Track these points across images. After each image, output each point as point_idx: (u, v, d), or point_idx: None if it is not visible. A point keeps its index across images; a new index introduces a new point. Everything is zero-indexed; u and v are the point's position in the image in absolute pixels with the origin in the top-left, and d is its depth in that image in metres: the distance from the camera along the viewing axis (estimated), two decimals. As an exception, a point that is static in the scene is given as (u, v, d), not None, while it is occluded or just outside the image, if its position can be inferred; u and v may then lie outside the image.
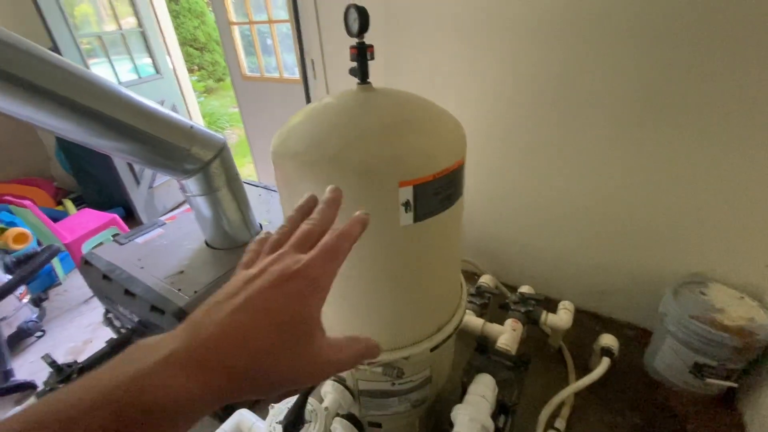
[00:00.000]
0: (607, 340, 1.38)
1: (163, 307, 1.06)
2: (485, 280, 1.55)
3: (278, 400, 0.90)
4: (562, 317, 1.37)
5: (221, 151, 1.18)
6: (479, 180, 1.66)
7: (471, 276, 1.93)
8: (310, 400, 0.86)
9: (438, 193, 0.71)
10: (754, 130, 1.14)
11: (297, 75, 2.06)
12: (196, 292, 1.11)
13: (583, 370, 1.40)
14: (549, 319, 1.37)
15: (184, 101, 2.93)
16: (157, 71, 2.67)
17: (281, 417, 0.84)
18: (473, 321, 1.31)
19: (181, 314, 1.04)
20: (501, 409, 1.01)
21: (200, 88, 6.35)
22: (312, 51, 1.82)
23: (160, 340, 0.25)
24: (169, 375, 0.23)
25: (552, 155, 1.47)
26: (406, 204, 0.69)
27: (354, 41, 0.74)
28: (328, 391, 0.97)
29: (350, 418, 1.06)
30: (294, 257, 0.31)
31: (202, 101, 5.79)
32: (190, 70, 6.41)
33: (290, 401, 0.87)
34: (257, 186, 1.74)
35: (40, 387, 1.18)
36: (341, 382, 0.98)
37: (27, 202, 1.87)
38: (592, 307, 1.68)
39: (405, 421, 1.11)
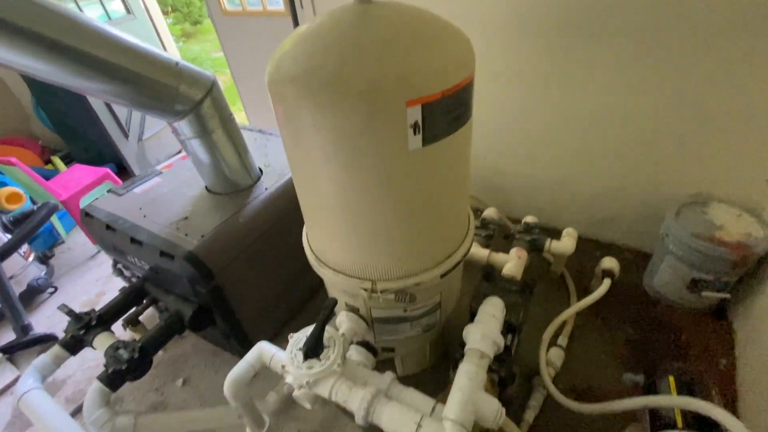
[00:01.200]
0: (608, 262, 1.42)
1: (172, 252, 1.06)
2: (489, 213, 1.56)
3: (297, 329, 0.94)
4: (565, 243, 1.40)
5: (211, 90, 1.12)
6: (482, 111, 1.60)
7: (474, 211, 1.94)
8: (328, 328, 0.89)
9: (448, 112, 0.68)
10: (752, 47, 1.08)
11: (281, 6, 1.91)
12: (203, 236, 1.10)
13: (585, 293, 1.45)
14: (553, 245, 1.39)
15: (162, 45, 2.74)
16: (129, 11, 2.47)
17: (301, 344, 0.87)
18: (479, 252, 1.34)
19: (192, 258, 1.05)
20: (508, 329, 1.06)
21: (177, 32, 5.94)
22: (296, -24, 1.66)
23: None
24: None
25: (553, 84, 1.42)
26: (415, 126, 0.66)
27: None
28: (343, 320, 1.01)
29: (365, 344, 1.11)
30: None
31: (182, 46, 5.43)
32: (164, 13, 5.93)
33: (308, 330, 0.91)
34: (251, 130, 1.68)
35: (61, 336, 1.22)
36: (355, 311, 1.02)
37: (13, 159, 1.81)
38: (594, 235, 1.71)
39: (416, 345, 1.17)
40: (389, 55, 0.62)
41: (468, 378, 0.80)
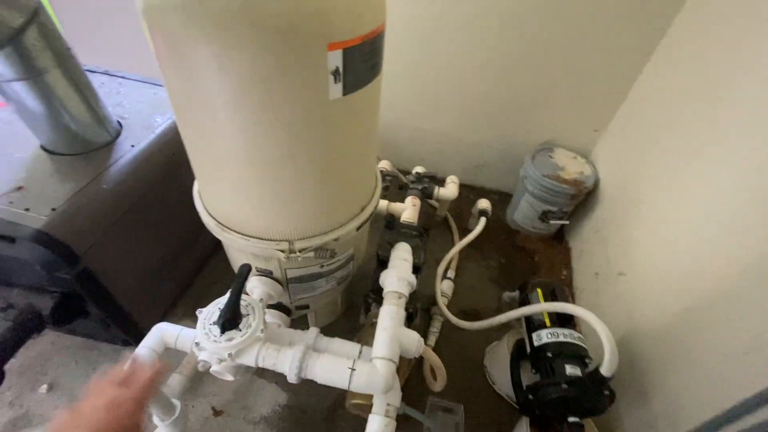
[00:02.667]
0: (483, 203, 1.64)
1: (11, 232, 0.81)
2: (384, 165, 1.61)
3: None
4: (450, 189, 1.56)
5: (36, 14, 0.83)
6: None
7: (364, 164, 1.98)
8: (243, 295, 0.84)
9: (366, 60, 0.66)
10: (587, 17, 1.32)
11: None
12: (54, 209, 0.87)
13: (464, 231, 1.67)
14: (440, 192, 1.54)
15: None
16: None
17: (215, 318, 0.80)
18: (379, 203, 1.39)
19: (44, 238, 0.82)
20: (413, 269, 1.16)
21: None
22: None
23: None
24: None
25: (437, 41, 1.49)
26: (336, 72, 0.62)
27: None
28: (256, 285, 0.96)
29: (278, 306, 1.08)
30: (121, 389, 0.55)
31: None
32: None
33: (219, 302, 0.84)
34: (95, 71, 1.33)
35: None
36: (267, 274, 0.97)
37: None
38: (469, 180, 1.94)
39: (329, 299, 1.19)
40: (307, -10, 0.56)
41: (390, 318, 0.87)
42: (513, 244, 1.73)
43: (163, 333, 0.87)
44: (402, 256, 1.01)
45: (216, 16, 0.53)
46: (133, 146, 1.07)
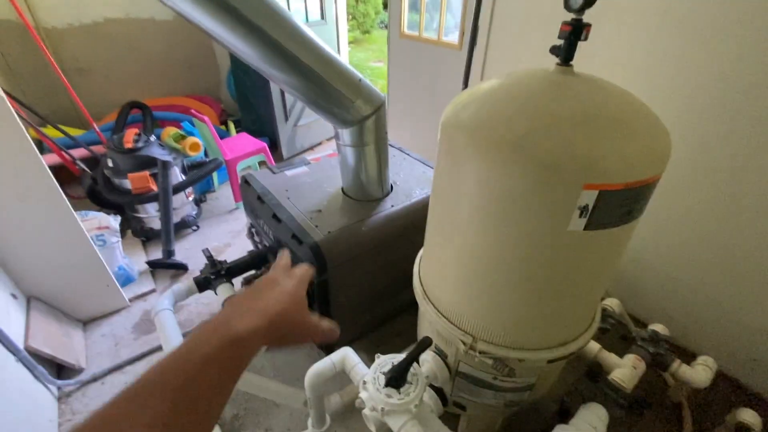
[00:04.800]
0: (748, 416, 1.15)
1: (302, 237, 1.18)
2: (611, 304, 1.39)
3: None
4: (699, 373, 1.18)
5: (379, 109, 1.22)
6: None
7: (587, 292, 1.75)
8: (414, 363, 0.90)
9: (623, 204, 0.63)
10: None
11: (455, 39, 2.00)
12: (330, 232, 1.21)
13: (704, 438, 1.21)
14: (681, 370, 1.18)
15: (338, 50, 3.09)
16: (322, 17, 2.83)
17: (386, 368, 0.89)
18: (588, 344, 1.20)
19: (316, 248, 1.15)
20: (602, 444, 0.93)
21: (349, 38, 6.63)
22: (482, 16, 1.72)
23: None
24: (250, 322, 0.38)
25: (746, 192, 1.21)
26: (584, 209, 0.63)
27: (569, 16, 0.67)
28: (427, 359, 1.00)
29: (439, 390, 1.08)
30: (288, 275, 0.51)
31: (349, 51, 6.05)
32: (343, 20, 6.65)
33: (396, 358, 0.92)
34: (393, 146, 1.78)
35: (195, 273, 1.45)
36: (442, 356, 1.00)
37: (206, 118, 2.23)
38: (737, 374, 1.40)
39: (490, 414, 1.10)
40: (581, 134, 0.60)
41: (548, 484, 0.72)
42: (793, 506, 1.11)
43: (346, 356, 1.03)
44: (593, 421, 0.84)
45: (494, 143, 0.65)
46: (392, 206, 1.36)
